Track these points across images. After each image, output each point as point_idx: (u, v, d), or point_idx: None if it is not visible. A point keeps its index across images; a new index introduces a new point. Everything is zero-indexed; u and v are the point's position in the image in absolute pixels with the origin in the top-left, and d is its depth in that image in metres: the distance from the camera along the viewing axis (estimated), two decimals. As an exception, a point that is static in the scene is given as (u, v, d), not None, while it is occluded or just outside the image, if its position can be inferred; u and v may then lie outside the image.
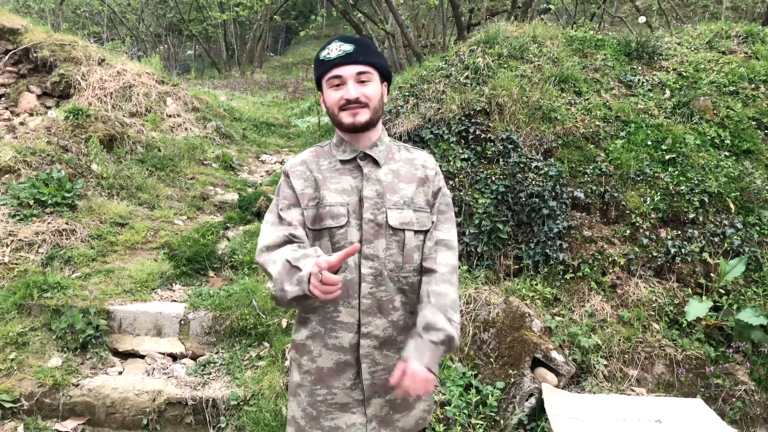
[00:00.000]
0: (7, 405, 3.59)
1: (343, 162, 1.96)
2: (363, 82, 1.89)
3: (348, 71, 1.87)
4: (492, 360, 3.63)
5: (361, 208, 1.90)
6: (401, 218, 1.92)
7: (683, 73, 5.47)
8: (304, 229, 1.92)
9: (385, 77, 1.98)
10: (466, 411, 3.37)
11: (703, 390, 3.69)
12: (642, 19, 7.43)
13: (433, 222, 1.99)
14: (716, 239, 4.33)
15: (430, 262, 1.95)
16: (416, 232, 1.95)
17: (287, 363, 3.80)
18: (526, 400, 3.44)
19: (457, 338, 1.88)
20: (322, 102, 1.99)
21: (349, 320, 1.89)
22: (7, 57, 7.99)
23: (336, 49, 1.89)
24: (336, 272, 1.66)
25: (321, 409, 1.93)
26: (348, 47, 1.88)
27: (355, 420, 1.92)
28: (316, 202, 1.92)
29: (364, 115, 1.89)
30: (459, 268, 4.33)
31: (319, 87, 1.98)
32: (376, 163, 1.96)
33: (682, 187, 4.48)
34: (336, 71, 1.88)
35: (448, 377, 3.55)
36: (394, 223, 1.91)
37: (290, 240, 1.87)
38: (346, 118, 1.89)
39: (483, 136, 4.70)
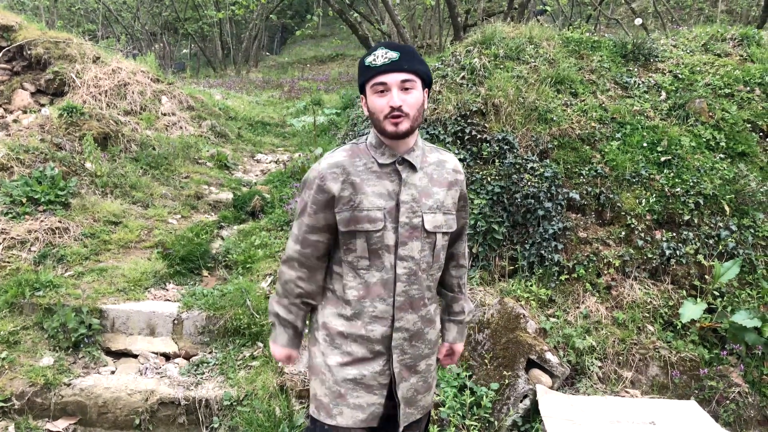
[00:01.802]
0: (-2, 404, 3.56)
1: (381, 165, 2.02)
2: (407, 89, 1.95)
3: (393, 78, 1.93)
4: (486, 361, 3.63)
5: (398, 212, 2.00)
6: (434, 222, 2.05)
7: (679, 76, 5.48)
8: (328, 233, 2.07)
9: (427, 84, 2.04)
10: (460, 412, 3.36)
11: (697, 392, 3.69)
12: (638, 21, 7.45)
13: (456, 221, 2.17)
14: (711, 241, 4.33)
15: (459, 258, 2.31)
16: (444, 233, 2.10)
17: (280, 363, 3.78)
18: (521, 401, 3.44)
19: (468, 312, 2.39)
20: (365, 106, 2.05)
21: (384, 315, 2.03)
22: (0, 54, 7.94)
23: (382, 56, 1.94)
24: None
25: (349, 387, 2.06)
26: (394, 55, 1.94)
27: (375, 400, 2.07)
28: (351, 205, 1.99)
29: (405, 125, 1.95)
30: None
31: (362, 91, 2.04)
32: (412, 167, 2.04)
33: (678, 189, 4.49)
34: (381, 78, 1.94)
35: (442, 378, 3.54)
36: (429, 227, 2.04)
37: (304, 264, 2.11)
38: (389, 126, 1.95)
39: (479, 136, 4.70)
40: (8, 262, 4.69)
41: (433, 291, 2.14)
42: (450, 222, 2.10)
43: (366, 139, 2.11)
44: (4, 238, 4.85)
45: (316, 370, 2.13)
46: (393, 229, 2.00)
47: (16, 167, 5.60)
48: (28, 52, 7.92)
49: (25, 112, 7.26)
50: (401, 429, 2.12)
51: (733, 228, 4.35)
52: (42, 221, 5.12)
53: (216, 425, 3.63)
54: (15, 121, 6.73)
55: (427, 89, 2.06)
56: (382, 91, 1.95)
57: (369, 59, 1.97)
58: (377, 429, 2.11)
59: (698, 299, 4.07)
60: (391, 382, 2.08)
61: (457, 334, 2.34)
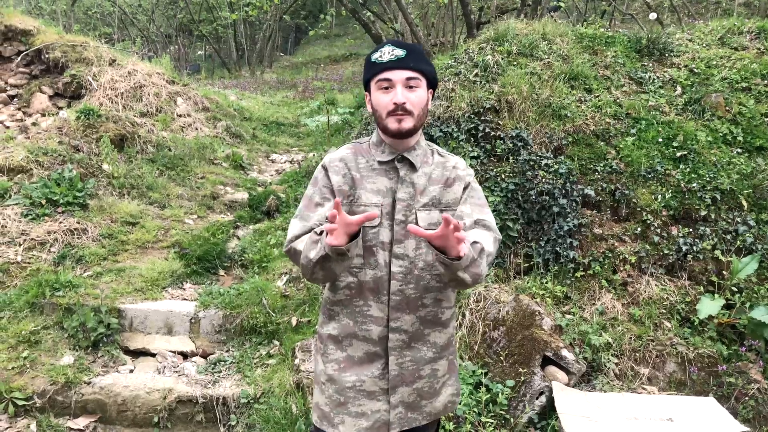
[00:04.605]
0: (20, 403, 3.62)
1: (380, 162, 2.02)
2: (411, 87, 1.93)
3: (398, 75, 1.92)
4: (502, 358, 3.62)
5: (394, 209, 1.97)
6: (429, 219, 1.98)
7: (695, 70, 5.43)
8: None
9: (432, 84, 2.03)
10: (476, 409, 3.36)
11: (715, 388, 3.66)
12: (653, 15, 7.39)
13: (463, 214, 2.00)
14: (728, 237, 4.29)
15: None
16: None
17: (297, 361, 3.81)
18: (537, 398, 3.43)
19: (484, 266, 1.83)
20: (369, 103, 2.04)
21: (379, 315, 1.98)
22: (19, 58, 8.06)
23: (388, 53, 1.94)
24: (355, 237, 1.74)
25: (349, 395, 2.01)
26: (400, 52, 1.93)
27: (379, 407, 2.01)
28: (350, 200, 1.98)
29: (408, 123, 1.93)
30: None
31: (367, 88, 2.03)
32: (412, 166, 2.02)
33: (694, 185, 4.45)
34: (386, 74, 1.92)
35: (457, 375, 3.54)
36: (422, 224, 1.96)
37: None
38: (392, 123, 1.93)
39: (492, 133, 4.69)
40: (29, 263, 4.77)
41: (437, 292, 2.01)
42: None
43: (369, 139, 2.11)
44: (25, 240, 4.93)
45: (317, 379, 2.12)
46: (389, 227, 1.97)
47: (36, 169, 5.69)
48: (46, 55, 8.02)
49: (43, 115, 7.37)
50: None
51: (752, 223, 4.30)
52: (61, 222, 5.20)
53: (233, 423, 3.67)
54: (34, 124, 6.83)
55: (432, 90, 2.04)
56: (386, 88, 1.93)
57: (375, 55, 1.97)
58: None
59: (716, 295, 4.03)
60: None
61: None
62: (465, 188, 2.07)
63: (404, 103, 1.91)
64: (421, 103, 1.96)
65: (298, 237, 1.97)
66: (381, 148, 2.03)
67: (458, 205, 2.03)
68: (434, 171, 2.05)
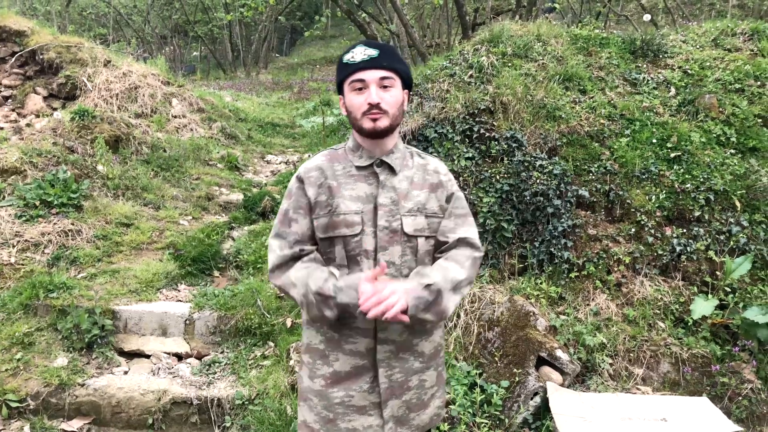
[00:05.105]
0: (14, 404, 3.60)
1: (359, 168, 1.95)
2: (385, 87, 1.88)
3: (371, 75, 1.87)
4: (497, 359, 3.63)
5: (376, 215, 1.90)
6: (415, 225, 1.93)
7: (688, 71, 5.45)
8: (311, 240, 1.94)
9: (407, 84, 1.98)
10: (470, 410, 3.36)
11: (709, 388, 3.67)
12: (647, 17, 7.41)
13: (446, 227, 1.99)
14: (722, 237, 4.31)
15: (445, 254, 1.97)
16: (427, 237, 1.97)
17: (292, 362, 3.80)
18: (531, 398, 3.44)
19: (445, 302, 1.83)
20: (342, 105, 1.98)
21: (365, 326, 1.91)
22: (13, 59, 8.04)
23: (361, 53, 1.89)
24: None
25: (338, 412, 1.95)
26: (373, 52, 1.88)
27: (371, 422, 1.95)
28: (329, 210, 1.91)
29: (384, 121, 1.88)
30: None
31: (340, 90, 1.97)
32: (391, 170, 1.96)
33: (688, 185, 4.47)
34: (359, 75, 1.87)
35: (452, 376, 3.55)
36: (408, 230, 1.92)
37: (299, 255, 1.91)
38: (367, 123, 1.88)
39: (487, 134, 4.69)
40: (22, 265, 4.75)
41: None
42: (434, 225, 1.97)
43: (345, 145, 2.04)
44: (19, 241, 4.91)
45: (304, 396, 2.04)
46: (372, 234, 1.90)
47: (30, 170, 5.67)
48: (41, 56, 8.01)
49: (37, 116, 7.35)
50: None
51: (745, 224, 4.32)
52: (55, 224, 5.18)
53: (228, 424, 3.66)
54: (28, 125, 6.82)
55: (407, 90, 1.99)
56: (360, 89, 1.88)
57: (347, 56, 1.91)
58: None
59: (709, 295, 4.04)
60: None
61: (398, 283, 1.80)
62: (449, 198, 2.03)
63: (379, 103, 1.86)
64: (396, 102, 1.91)
65: (279, 267, 1.92)
66: (358, 153, 1.97)
67: (443, 215, 2.00)
68: (415, 174, 2.00)
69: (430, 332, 2.03)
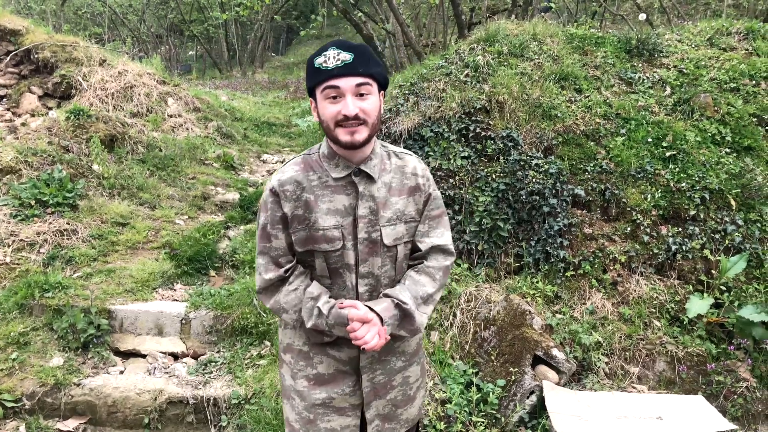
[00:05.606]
0: (9, 404, 3.59)
1: (336, 179, 1.86)
2: (362, 95, 1.75)
3: (347, 83, 1.73)
4: (493, 358, 3.63)
5: (356, 228, 1.86)
6: (394, 234, 1.91)
7: (684, 70, 5.47)
8: (292, 250, 1.93)
9: (383, 86, 1.86)
10: (466, 409, 3.37)
11: (704, 387, 3.69)
12: (642, 16, 7.43)
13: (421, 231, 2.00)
14: (717, 236, 4.32)
15: (420, 261, 2.00)
16: (406, 242, 1.96)
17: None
18: (527, 397, 3.44)
19: (418, 320, 1.90)
20: (315, 112, 1.85)
21: (348, 336, 1.87)
22: (8, 58, 8.00)
23: (334, 57, 1.73)
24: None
25: (318, 412, 1.97)
26: (347, 56, 1.73)
27: (349, 422, 1.99)
28: (306, 224, 1.85)
29: (362, 134, 1.76)
30: (456, 265, 4.33)
31: (312, 95, 1.84)
32: (370, 178, 1.87)
33: (683, 184, 4.48)
34: (333, 82, 1.73)
35: (448, 375, 3.55)
36: (388, 242, 1.89)
37: (284, 278, 1.91)
38: (343, 136, 1.76)
39: (483, 134, 4.70)
40: (18, 264, 4.73)
41: None
42: (412, 230, 1.95)
43: (319, 149, 1.92)
44: (14, 241, 4.89)
45: (287, 394, 2.05)
46: (352, 247, 1.86)
47: (25, 170, 5.65)
48: (36, 55, 7.98)
49: (33, 115, 7.32)
50: None
51: (740, 222, 4.34)
52: (50, 223, 5.17)
53: (224, 424, 3.66)
54: (23, 124, 6.78)
55: (382, 92, 1.87)
56: (335, 97, 1.74)
57: (319, 60, 1.75)
58: None
59: (705, 294, 4.06)
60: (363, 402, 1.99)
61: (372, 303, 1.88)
62: (426, 201, 1.98)
63: (356, 114, 1.74)
64: (374, 110, 1.78)
65: (267, 290, 1.94)
66: (334, 161, 1.86)
67: (420, 217, 1.98)
68: (393, 179, 1.92)
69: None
